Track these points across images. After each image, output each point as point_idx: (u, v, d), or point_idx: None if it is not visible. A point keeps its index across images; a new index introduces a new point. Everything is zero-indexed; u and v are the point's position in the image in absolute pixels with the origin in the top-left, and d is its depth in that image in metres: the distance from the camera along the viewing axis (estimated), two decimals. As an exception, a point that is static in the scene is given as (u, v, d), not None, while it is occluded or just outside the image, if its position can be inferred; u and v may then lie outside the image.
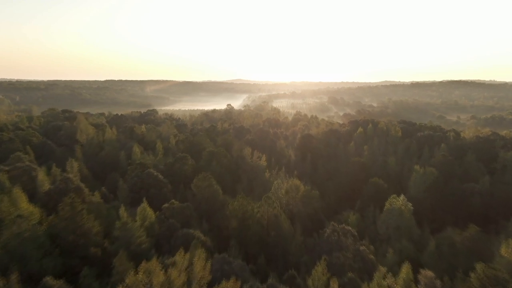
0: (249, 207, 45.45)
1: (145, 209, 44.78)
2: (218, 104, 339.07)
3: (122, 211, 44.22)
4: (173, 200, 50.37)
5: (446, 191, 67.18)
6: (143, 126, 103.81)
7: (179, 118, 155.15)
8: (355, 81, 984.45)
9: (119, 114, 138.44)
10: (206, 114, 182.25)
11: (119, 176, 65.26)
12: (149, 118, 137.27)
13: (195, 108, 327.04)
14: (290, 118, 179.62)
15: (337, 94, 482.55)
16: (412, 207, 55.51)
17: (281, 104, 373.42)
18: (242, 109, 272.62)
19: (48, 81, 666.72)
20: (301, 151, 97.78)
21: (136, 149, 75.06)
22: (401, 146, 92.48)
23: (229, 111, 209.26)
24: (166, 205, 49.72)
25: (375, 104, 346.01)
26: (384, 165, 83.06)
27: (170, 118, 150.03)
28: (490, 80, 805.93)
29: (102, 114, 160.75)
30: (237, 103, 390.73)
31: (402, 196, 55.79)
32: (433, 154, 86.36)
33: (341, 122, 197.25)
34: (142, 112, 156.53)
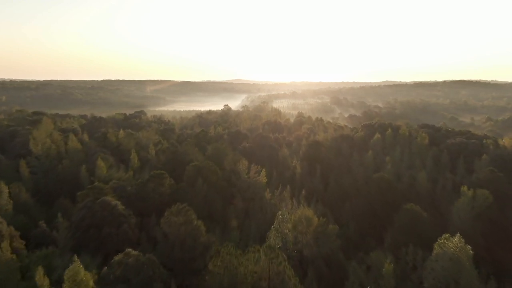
0: (241, 268, 29.33)
1: (76, 273, 28.67)
2: (216, 105, 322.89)
3: (40, 276, 28.45)
4: (129, 250, 34.21)
5: (503, 221, 51.16)
6: (120, 132, 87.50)
7: (169, 121, 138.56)
8: (356, 81, 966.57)
9: (99, 116, 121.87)
10: (200, 116, 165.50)
11: (70, 203, 49.12)
12: (133, 121, 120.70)
13: (191, 109, 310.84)
14: (292, 120, 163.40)
15: (339, 94, 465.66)
16: (472, 251, 39.62)
17: (281, 105, 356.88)
18: (240, 110, 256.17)
19: (44, 80, 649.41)
20: (309, 162, 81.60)
21: (101, 163, 58.83)
22: (429, 157, 76.39)
23: (226, 112, 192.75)
24: (118, 257, 33.61)
25: (381, 105, 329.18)
26: (413, 182, 67.14)
27: (158, 121, 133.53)
28: (492, 80, 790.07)
29: (84, 116, 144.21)
30: (236, 103, 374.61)
31: (457, 236, 39.75)
32: (471, 168, 70.42)
33: (347, 124, 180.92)
34: (128, 114, 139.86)
